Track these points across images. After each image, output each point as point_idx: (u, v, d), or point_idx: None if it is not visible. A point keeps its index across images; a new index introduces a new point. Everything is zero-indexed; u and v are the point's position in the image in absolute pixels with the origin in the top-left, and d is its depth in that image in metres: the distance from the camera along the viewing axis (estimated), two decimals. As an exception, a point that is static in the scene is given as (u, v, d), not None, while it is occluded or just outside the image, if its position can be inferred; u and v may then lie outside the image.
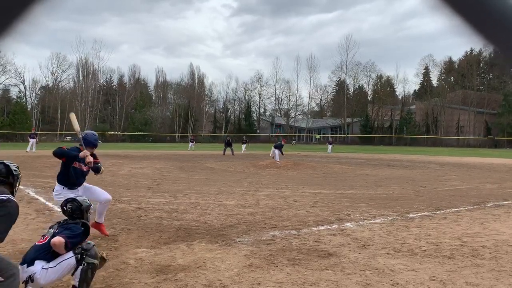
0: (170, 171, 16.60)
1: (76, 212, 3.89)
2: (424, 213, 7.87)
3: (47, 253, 3.47)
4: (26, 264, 3.41)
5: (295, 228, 6.43)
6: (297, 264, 4.57)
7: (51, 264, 3.45)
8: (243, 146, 37.92)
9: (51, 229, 3.75)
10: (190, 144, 39.94)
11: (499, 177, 15.74)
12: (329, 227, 6.56)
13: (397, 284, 3.99)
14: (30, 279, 3.36)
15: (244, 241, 5.59)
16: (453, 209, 8.32)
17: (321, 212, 7.81)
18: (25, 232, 5.91)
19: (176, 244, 5.40)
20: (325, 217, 7.37)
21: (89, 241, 3.77)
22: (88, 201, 4.13)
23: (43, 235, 3.68)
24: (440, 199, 9.77)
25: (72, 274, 3.53)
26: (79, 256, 3.52)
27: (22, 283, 3.33)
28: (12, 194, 3.19)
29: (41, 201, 8.76)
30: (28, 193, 9.81)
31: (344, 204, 8.77)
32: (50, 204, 8.31)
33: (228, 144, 31.82)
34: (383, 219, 7.23)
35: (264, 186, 11.99)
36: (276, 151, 22.09)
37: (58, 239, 3.46)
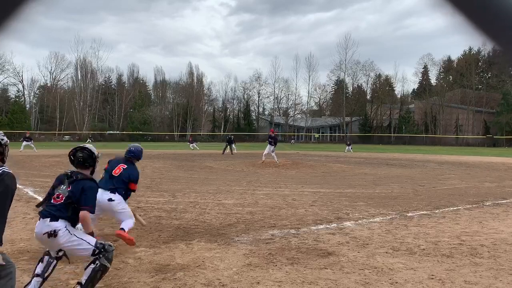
0: (169, 170, 16.59)
1: (88, 161, 3.83)
2: (423, 212, 7.88)
3: (64, 212, 3.55)
4: (49, 218, 3.49)
5: (294, 227, 6.43)
6: (296, 263, 4.58)
7: (76, 234, 3.56)
8: (193, 144, 37.61)
9: (62, 186, 3.68)
10: (192, 144, 39.27)
11: (498, 176, 15.77)
12: (328, 226, 6.57)
13: (396, 283, 3.99)
14: (54, 233, 3.46)
15: (243, 240, 5.59)
16: (451, 208, 8.33)
17: (320, 211, 7.81)
18: (23, 232, 5.91)
19: (175, 243, 5.40)
20: (324, 216, 7.37)
21: (111, 244, 3.79)
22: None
23: (57, 194, 3.65)
24: (439, 198, 9.78)
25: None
26: (97, 251, 3.57)
27: (44, 234, 3.48)
28: (3, 161, 3.16)
29: (39, 200, 8.74)
30: (27, 192, 9.80)
31: (343, 203, 8.78)
32: (49, 204, 8.30)
33: (230, 142, 31.48)
34: (382, 218, 7.24)
35: (263, 185, 11.99)
36: (267, 149, 20.48)
37: (86, 215, 3.57)
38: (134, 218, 5.46)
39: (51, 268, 3.64)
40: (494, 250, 5.19)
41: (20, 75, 72.78)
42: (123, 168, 5.55)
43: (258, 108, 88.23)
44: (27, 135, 33.32)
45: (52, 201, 3.61)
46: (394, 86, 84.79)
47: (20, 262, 4.50)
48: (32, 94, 77.01)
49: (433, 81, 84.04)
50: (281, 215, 7.42)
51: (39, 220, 3.56)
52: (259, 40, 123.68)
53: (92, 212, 3.68)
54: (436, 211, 7.99)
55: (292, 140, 71.60)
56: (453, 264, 4.59)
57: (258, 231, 6.14)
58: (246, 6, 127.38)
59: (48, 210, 3.57)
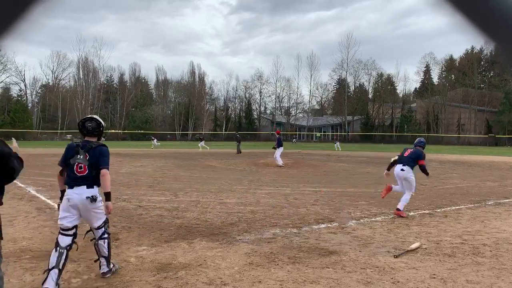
0: (170, 169, 16.61)
1: (96, 130, 4.17)
2: (425, 211, 7.88)
3: (92, 180, 3.96)
4: (85, 186, 3.92)
5: (295, 226, 6.43)
6: (298, 262, 4.58)
7: (101, 203, 4.04)
8: (201, 143, 36.36)
9: (78, 155, 3.99)
10: (200, 143, 37.89)
11: (500, 175, 15.73)
12: (329, 225, 6.56)
13: (398, 282, 3.99)
14: (93, 198, 3.93)
15: (244, 239, 5.59)
16: (453, 207, 8.32)
17: (322, 210, 7.81)
18: (26, 231, 5.92)
19: (177, 242, 5.41)
20: (326, 215, 7.37)
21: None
22: None
23: (78, 164, 3.96)
24: (440, 197, 9.77)
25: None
26: (106, 221, 4.17)
27: (87, 198, 3.90)
28: None
29: (42, 199, 8.77)
30: (29, 191, 9.83)
31: (344, 202, 8.77)
32: (51, 202, 8.32)
33: (237, 140, 31.16)
34: (383, 217, 7.24)
35: (264, 184, 12.00)
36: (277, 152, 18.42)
37: (107, 173, 4.02)
38: None
39: (63, 259, 3.78)
40: (496, 250, 5.18)
41: (22, 74, 73.02)
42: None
43: (259, 107, 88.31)
44: None
45: (76, 172, 3.95)
46: (396, 85, 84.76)
47: (22, 260, 4.52)
48: (34, 93, 77.31)
49: (435, 80, 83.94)
50: (282, 214, 7.42)
51: (71, 189, 3.91)
52: (260, 39, 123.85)
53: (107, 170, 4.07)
54: (438, 210, 7.98)
55: (294, 139, 71.56)
56: (455, 264, 4.59)
57: (260, 230, 6.14)
58: (247, 4, 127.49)
59: (79, 179, 3.93)
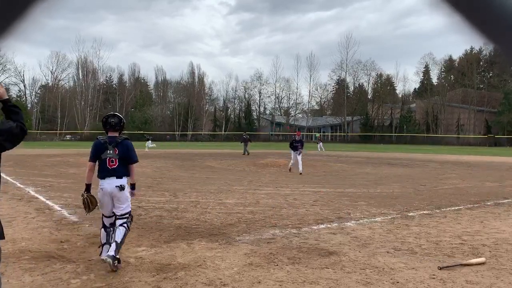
0: (170, 170, 16.61)
1: (118, 125, 4.65)
2: (424, 212, 7.88)
3: (122, 172, 4.51)
4: (115, 177, 4.45)
5: (295, 226, 6.43)
6: (297, 263, 4.58)
7: (128, 191, 4.58)
8: (148, 143, 34.92)
9: (108, 151, 4.50)
10: (147, 142, 35.43)
11: (499, 176, 15.75)
12: (329, 225, 6.57)
13: (397, 282, 3.99)
14: (122, 187, 4.47)
15: (244, 240, 5.59)
16: (453, 208, 8.32)
17: (321, 211, 7.81)
18: (25, 231, 5.91)
19: (176, 242, 5.41)
20: (325, 215, 7.37)
21: None
22: None
23: (110, 158, 4.48)
24: (440, 197, 9.77)
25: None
26: (130, 211, 4.63)
27: (117, 187, 4.45)
28: None
29: (41, 200, 8.76)
30: (28, 192, 9.82)
31: (344, 203, 8.77)
32: (50, 203, 8.32)
33: (244, 141, 30.59)
34: (383, 218, 7.24)
35: (264, 184, 12.00)
36: (297, 155, 15.84)
37: (134, 167, 4.65)
38: None
39: (111, 235, 4.50)
40: (495, 250, 5.18)
41: (22, 75, 72.97)
42: None
43: (259, 107, 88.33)
44: None
45: (108, 166, 4.48)
46: (395, 85, 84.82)
47: (22, 261, 4.51)
48: (34, 93, 77.27)
49: (434, 80, 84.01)
50: (282, 214, 7.42)
51: (104, 179, 4.47)
52: (260, 39, 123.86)
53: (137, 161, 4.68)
54: (437, 211, 7.98)
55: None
56: (455, 264, 4.58)
57: (259, 231, 6.14)
58: (246, 5, 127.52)
59: (111, 171, 4.47)
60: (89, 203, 4.58)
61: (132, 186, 4.70)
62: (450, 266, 4.45)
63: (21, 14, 0.47)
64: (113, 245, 4.28)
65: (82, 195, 4.62)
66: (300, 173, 15.11)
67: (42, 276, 4.06)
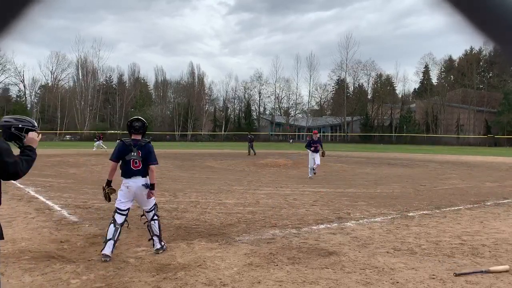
0: (170, 170, 16.60)
1: (142, 128, 5.04)
2: (424, 212, 7.88)
3: (144, 172, 4.93)
4: (140, 176, 4.88)
5: (295, 226, 6.43)
6: (297, 263, 4.58)
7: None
8: (98, 142, 33.49)
9: (132, 152, 4.89)
10: (98, 142, 33.91)
11: (499, 176, 15.75)
12: (329, 225, 6.56)
13: (397, 282, 3.99)
14: (147, 185, 4.92)
15: (244, 240, 5.59)
16: (453, 208, 8.32)
17: (321, 211, 7.81)
18: (25, 231, 5.91)
19: (176, 243, 5.41)
20: (325, 215, 7.37)
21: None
22: None
23: (134, 160, 4.87)
24: (440, 197, 9.77)
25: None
26: (155, 204, 5.12)
27: (142, 185, 4.88)
28: None
29: (41, 200, 8.76)
30: (28, 192, 9.81)
31: (344, 203, 8.77)
32: (50, 203, 8.32)
33: (250, 141, 30.21)
34: (383, 218, 7.24)
35: (264, 184, 12.00)
36: (316, 157, 13.94)
37: (154, 168, 5.06)
38: None
39: (118, 233, 4.74)
40: (495, 250, 5.18)
41: (21, 75, 72.95)
42: None
43: (259, 107, 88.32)
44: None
45: (132, 167, 4.86)
46: (395, 85, 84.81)
47: (22, 261, 4.51)
48: (33, 93, 77.22)
49: (434, 80, 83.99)
50: (282, 214, 7.42)
51: (129, 179, 4.84)
52: (259, 39, 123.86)
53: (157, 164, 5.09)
54: (437, 211, 7.98)
55: (291, 140, 71.38)
56: (454, 264, 4.58)
57: (259, 231, 6.14)
58: (245, 5, 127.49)
59: (135, 172, 4.86)
60: (109, 196, 5.02)
61: (152, 186, 4.99)
62: (468, 273, 4.21)
63: (19, 14, 0.47)
64: (155, 239, 4.89)
65: (104, 189, 5.00)
66: (314, 173, 14.11)
67: (42, 276, 4.06)
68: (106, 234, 4.71)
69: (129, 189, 4.85)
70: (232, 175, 14.97)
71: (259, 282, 3.97)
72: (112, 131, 71.23)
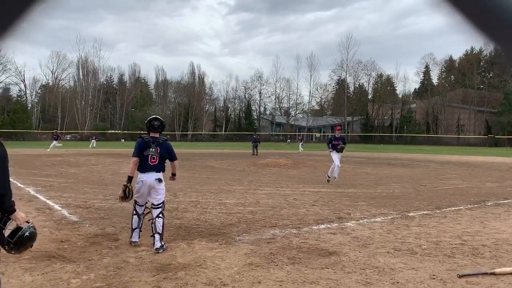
0: (170, 170, 16.58)
1: (160, 127, 5.43)
2: (424, 212, 7.88)
3: (160, 167, 5.35)
4: (155, 171, 5.26)
5: (295, 226, 6.43)
6: (297, 263, 4.58)
7: (163, 184, 5.40)
8: (54, 143, 32.79)
9: (150, 149, 5.26)
10: (53, 142, 33.17)
11: (500, 176, 15.74)
12: (329, 225, 6.56)
13: (397, 282, 3.99)
14: (160, 179, 5.29)
15: (244, 240, 5.60)
16: (453, 208, 8.32)
17: (321, 211, 7.81)
18: (25, 231, 5.91)
19: (176, 242, 5.41)
20: (325, 215, 7.37)
21: None
22: None
23: (152, 155, 5.26)
24: (440, 197, 9.77)
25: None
26: (163, 203, 5.36)
27: (156, 179, 5.25)
28: None
29: (41, 199, 8.77)
30: (29, 191, 9.82)
31: (344, 203, 8.77)
32: (50, 203, 8.32)
33: (255, 142, 30.05)
34: (383, 218, 7.24)
35: (264, 184, 12.00)
36: (336, 158, 12.53)
37: (176, 164, 5.66)
38: None
39: (141, 221, 5.33)
40: (495, 250, 5.18)
41: (22, 75, 72.96)
42: None
43: (259, 107, 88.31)
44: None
45: (150, 162, 5.24)
46: (395, 85, 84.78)
47: (22, 261, 4.51)
48: (34, 93, 77.22)
49: (434, 80, 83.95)
50: (282, 214, 7.42)
51: (145, 173, 5.23)
52: (259, 39, 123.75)
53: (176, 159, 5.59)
54: (438, 211, 7.98)
55: (289, 140, 71.13)
56: (455, 264, 4.58)
57: (259, 231, 6.15)
58: (245, 5, 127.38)
59: (151, 166, 5.25)
60: (129, 193, 5.33)
61: (174, 174, 5.73)
62: (472, 275, 4.18)
63: (21, 14, 0.47)
64: (157, 237, 5.03)
65: (125, 186, 5.31)
66: (335, 178, 12.35)
67: (42, 275, 4.06)
68: (131, 224, 5.29)
69: (143, 183, 5.22)
70: (232, 175, 14.97)
71: (259, 282, 3.97)
72: (113, 131, 71.31)
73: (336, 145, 12.66)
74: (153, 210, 5.25)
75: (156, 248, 4.97)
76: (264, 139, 74.41)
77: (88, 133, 65.36)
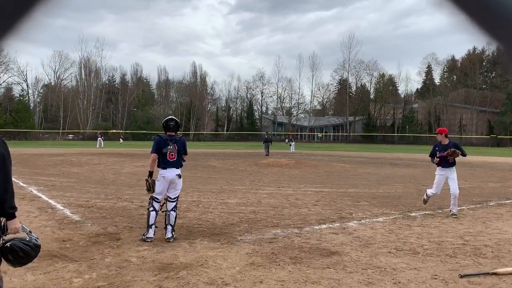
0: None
1: (176, 126, 5.87)
2: (426, 212, 7.87)
3: (179, 163, 5.80)
4: (175, 168, 5.70)
5: (297, 226, 6.43)
6: (299, 263, 4.58)
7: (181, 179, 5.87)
8: (101, 141, 37.27)
9: (169, 146, 5.67)
10: (99, 139, 37.75)
11: (502, 176, 15.70)
12: (331, 225, 6.56)
13: (399, 282, 3.99)
14: (179, 175, 5.77)
15: (246, 240, 5.60)
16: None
17: (323, 211, 7.81)
18: (28, 230, 5.93)
19: (178, 242, 5.42)
20: (327, 215, 7.37)
21: None
22: None
23: (170, 152, 5.67)
24: (442, 198, 9.73)
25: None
26: (177, 198, 5.85)
27: (177, 175, 5.71)
28: None
29: (43, 199, 8.79)
30: (31, 191, 9.85)
31: (346, 203, 8.76)
32: (52, 202, 8.34)
33: (266, 142, 29.46)
34: (385, 218, 7.23)
35: (266, 184, 12.00)
36: (450, 178, 7.82)
37: (185, 158, 6.06)
38: None
39: (157, 218, 5.55)
40: (498, 250, 5.17)
41: (24, 74, 73.04)
42: None
43: (261, 107, 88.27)
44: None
45: (168, 158, 5.65)
46: (397, 85, 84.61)
47: (24, 260, 4.52)
48: (36, 93, 77.33)
49: (437, 80, 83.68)
50: (284, 214, 7.42)
51: (166, 169, 5.64)
52: (260, 39, 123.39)
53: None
54: (440, 211, 7.97)
55: (287, 139, 70.64)
56: (457, 264, 4.58)
57: (261, 231, 6.15)
58: (246, 4, 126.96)
59: (171, 163, 5.67)
60: (150, 186, 5.59)
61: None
62: (474, 275, 4.17)
63: (24, 14, 0.48)
64: (169, 228, 5.48)
65: (147, 180, 5.65)
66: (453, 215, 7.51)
67: (44, 275, 4.07)
68: (148, 220, 5.50)
69: (165, 179, 5.60)
70: (234, 174, 14.97)
71: (261, 282, 3.98)
72: (114, 131, 71.37)
73: (443, 157, 7.83)
74: (168, 203, 5.65)
75: (168, 238, 5.41)
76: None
77: (90, 133, 65.46)
